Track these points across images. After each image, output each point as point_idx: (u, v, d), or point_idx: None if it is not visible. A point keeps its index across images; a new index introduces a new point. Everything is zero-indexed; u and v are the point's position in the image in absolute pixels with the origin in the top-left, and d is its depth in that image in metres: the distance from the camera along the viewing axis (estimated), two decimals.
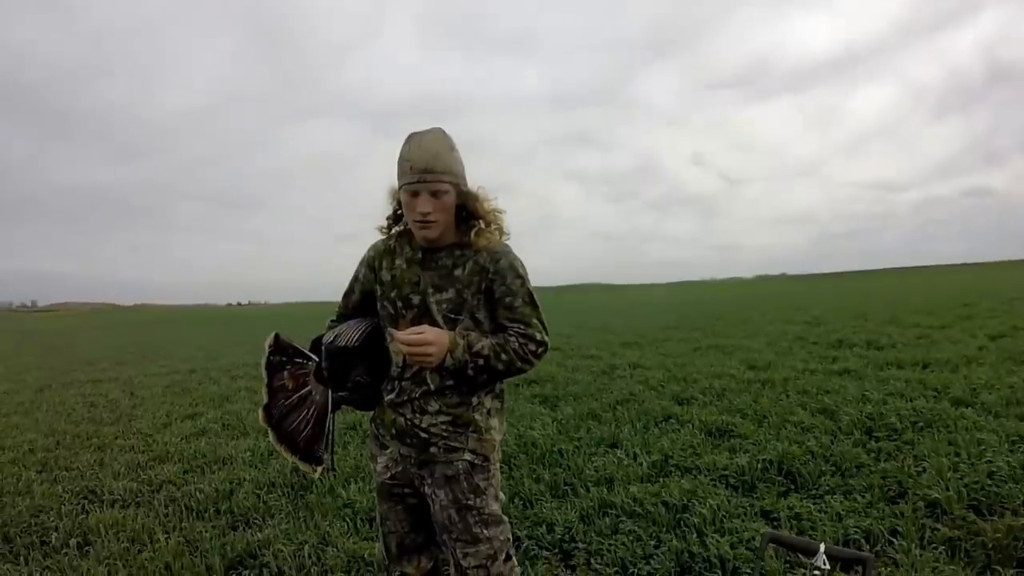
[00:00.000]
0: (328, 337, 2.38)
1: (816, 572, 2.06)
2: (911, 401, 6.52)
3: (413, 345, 2.09)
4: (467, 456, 2.30)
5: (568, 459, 5.38)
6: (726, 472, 4.79)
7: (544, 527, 4.11)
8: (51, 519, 4.79)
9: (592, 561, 3.69)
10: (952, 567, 3.32)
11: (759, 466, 4.82)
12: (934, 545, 3.57)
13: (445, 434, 2.27)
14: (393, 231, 2.40)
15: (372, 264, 2.41)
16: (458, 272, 2.25)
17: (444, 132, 2.20)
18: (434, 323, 2.21)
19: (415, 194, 2.14)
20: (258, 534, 4.31)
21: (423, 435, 2.27)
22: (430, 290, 2.25)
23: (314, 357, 2.46)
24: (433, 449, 2.28)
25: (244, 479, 5.44)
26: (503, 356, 2.22)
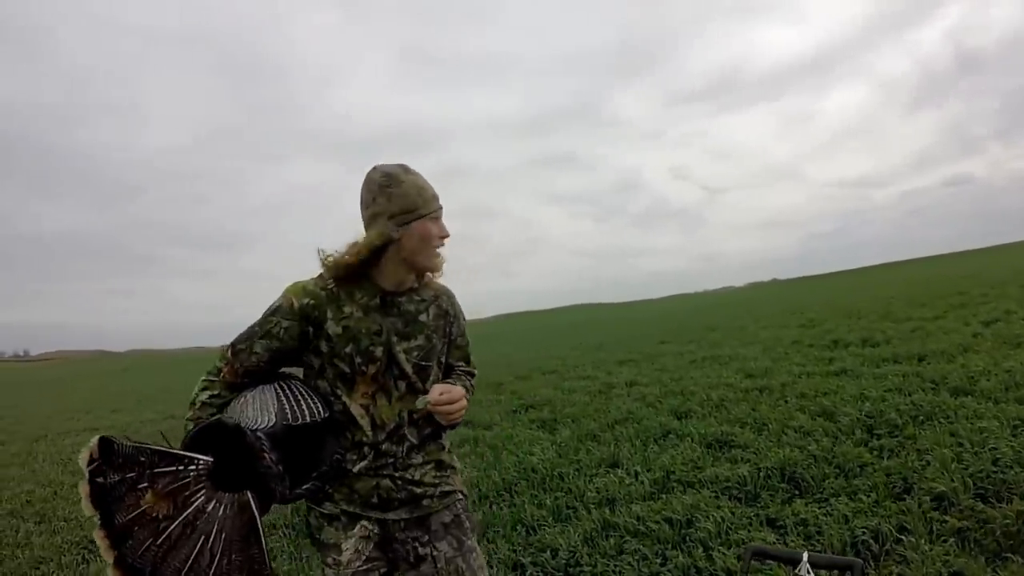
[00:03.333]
0: (253, 416, 1.91)
1: None
2: (910, 395, 6.48)
3: (452, 405, 2.04)
4: (459, 496, 2.23)
5: (569, 482, 5.32)
6: (728, 483, 4.74)
7: (548, 552, 4.06)
8: (51, 570, 4.78)
9: None
10: (963, 559, 3.29)
11: (761, 475, 4.77)
12: (943, 538, 3.53)
13: (436, 482, 2.17)
14: (329, 276, 2.09)
15: (309, 315, 2.04)
16: (423, 317, 2.16)
17: None
18: (403, 374, 2.09)
19: (436, 220, 2.08)
20: None
21: (417, 490, 2.13)
22: (395, 339, 2.09)
23: (201, 456, 1.89)
24: (426, 502, 2.15)
25: None
26: (468, 396, 2.21)
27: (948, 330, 11.16)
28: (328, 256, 2.07)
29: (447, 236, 2.09)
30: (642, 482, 5.05)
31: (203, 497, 1.85)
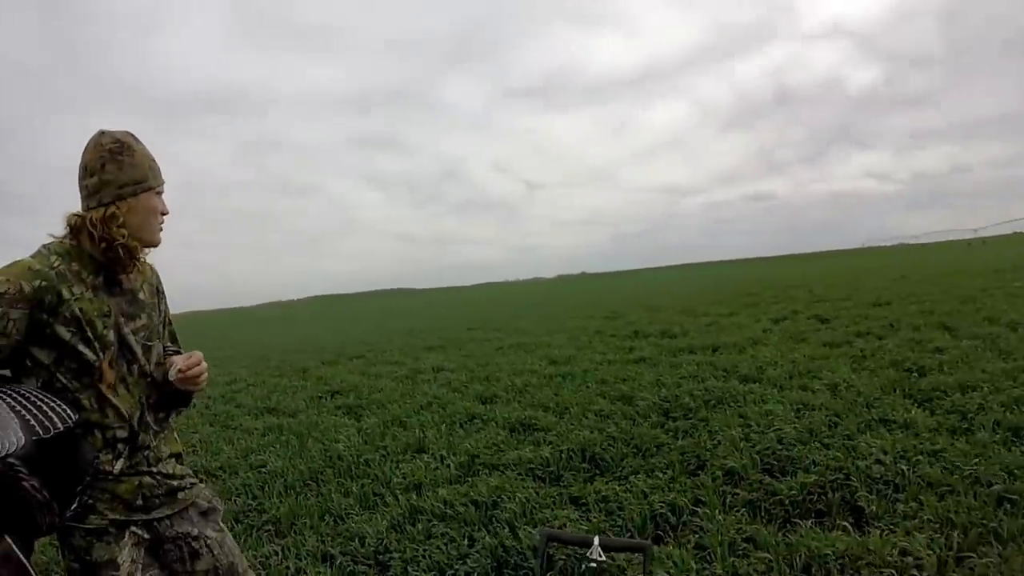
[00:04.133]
0: None
1: (592, 564, 2.09)
2: (703, 382, 6.84)
3: (202, 369, 2.02)
4: (201, 483, 2.20)
5: (375, 468, 5.26)
6: (532, 465, 4.82)
7: (357, 541, 4.00)
8: None
9: (409, 569, 3.61)
10: (755, 526, 3.53)
11: (564, 456, 4.88)
12: (736, 508, 3.79)
13: (182, 473, 2.11)
14: (55, 253, 1.89)
15: (42, 299, 1.80)
16: (141, 295, 2.06)
17: None
18: (135, 357, 1.97)
19: (161, 194, 2.03)
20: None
21: (173, 483, 2.06)
22: (122, 319, 1.96)
23: None
24: (182, 494, 2.08)
25: None
26: None
27: (741, 325, 11.84)
28: (63, 239, 1.92)
29: (168, 213, 2.04)
30: (448, 466, 5.06)
31: None
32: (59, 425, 1.63)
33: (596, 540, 2.12)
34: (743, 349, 9.05)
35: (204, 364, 2.02)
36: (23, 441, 1.53)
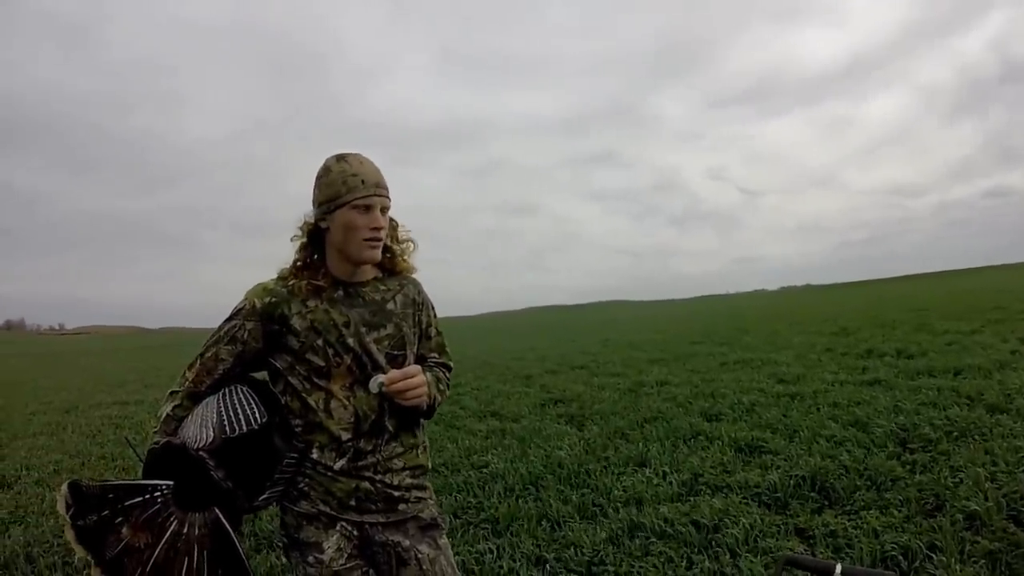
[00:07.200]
0: (195, 434, 1.91)
1: None
2: (945, 410, 6.37)
3: (408, 381, 1.98)
4: (431, 500, 2.20)
5: (596, 479, 5.31)
6: (758, 490, 4.70)
7: (572, 549, 4.06)
8: None
9: None
10: None
11: (792, 483, 4.72)
12: (974, 559, 3.47)
13: (409, 486, 2.11)
14: (287, 274, 2.08)
15: (272, 313, 2.01)
16: (390, 306, 2.13)
17: None
18: (376, 364, 2.04)
19: (367, 208, 1.97)
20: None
21: (395, 494, 2.08)
22: (363, 329, 2.05)
23: (161, 482, 1.88)
24: (402, 506, 2.09)
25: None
26: (441, 387, 2.19)
27: (986, 345, 10.95)
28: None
29: (378, 227, 1.99)
30: (670, 483, 5.03)
31: (176, 521, 1.85)
32: (243, 427, 1.89)
33: (838, 568, 2.03)
34: (989, 373, 8.30)
35: (416, 379, 2.00)
36: (212, 437, 1.87)
